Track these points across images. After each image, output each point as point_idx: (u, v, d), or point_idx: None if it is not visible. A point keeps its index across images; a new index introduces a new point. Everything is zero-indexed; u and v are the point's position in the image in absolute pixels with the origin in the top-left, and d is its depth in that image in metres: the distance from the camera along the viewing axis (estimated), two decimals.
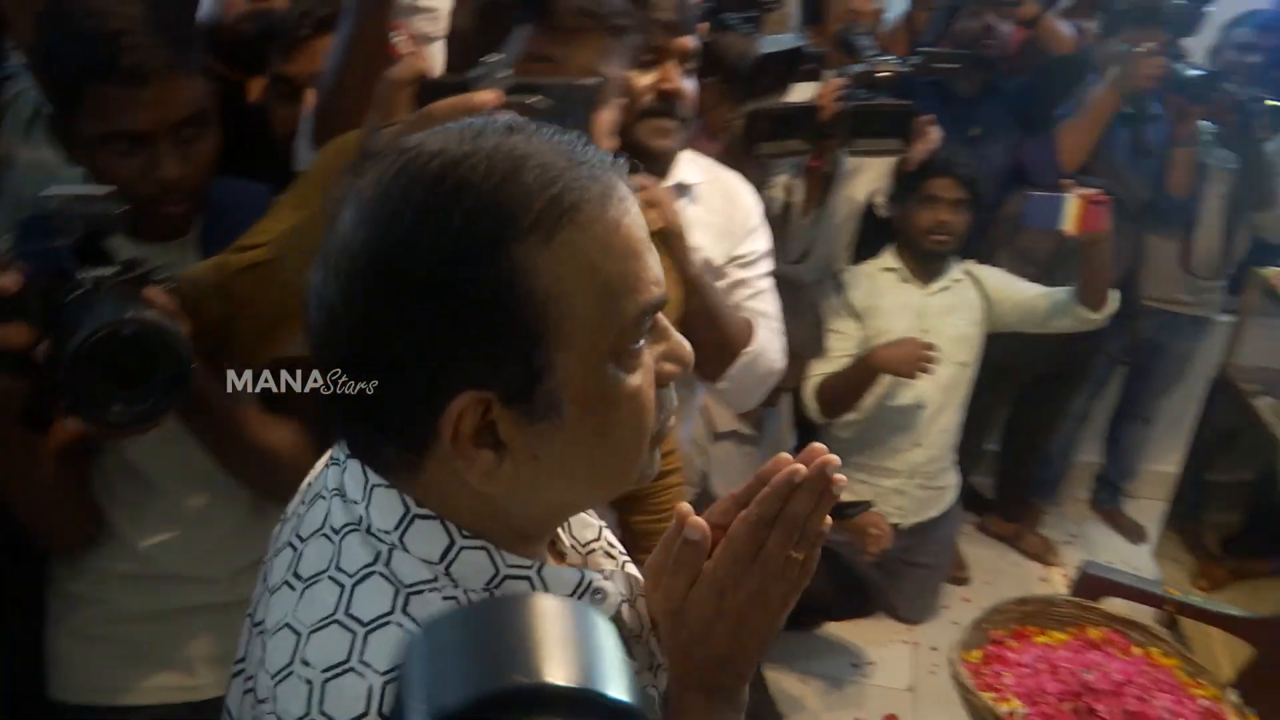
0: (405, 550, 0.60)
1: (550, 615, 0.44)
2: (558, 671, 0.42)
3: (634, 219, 0.58)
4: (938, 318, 2.53)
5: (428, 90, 0.90)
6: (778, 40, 2.11)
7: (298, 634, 0.58)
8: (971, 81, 2.62)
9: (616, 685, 0.42)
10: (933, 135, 2.31)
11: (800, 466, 0.62)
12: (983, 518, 3.26)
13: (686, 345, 0.64)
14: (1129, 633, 1.97)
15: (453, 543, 0.60)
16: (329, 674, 0.56)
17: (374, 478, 0.61)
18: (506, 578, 0.60)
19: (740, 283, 1.61)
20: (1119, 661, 1.84)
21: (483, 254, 0.54)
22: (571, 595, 0.62)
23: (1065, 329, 2.49)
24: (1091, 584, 1.98)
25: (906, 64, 2.20)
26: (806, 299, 2.44)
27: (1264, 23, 2.87)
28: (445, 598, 0.59)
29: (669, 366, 0.63)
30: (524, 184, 0.55)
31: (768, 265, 1.67)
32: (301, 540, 0.64)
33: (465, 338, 0.55)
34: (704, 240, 1.53)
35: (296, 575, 0.62)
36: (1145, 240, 2.88)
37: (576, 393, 0.57)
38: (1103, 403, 3.25)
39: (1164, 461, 3.16)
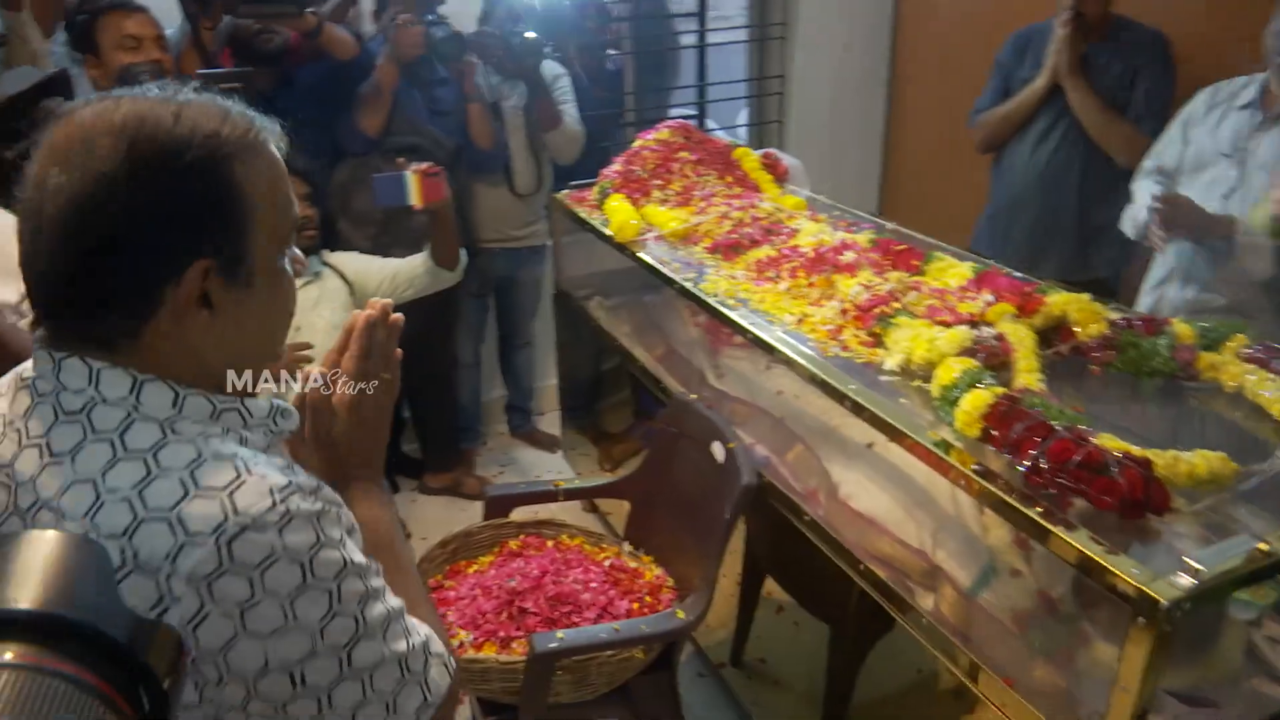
0: (143, 405, 0.80)
1: (32, 545, 0.51)
2: (20, 596, 0.48)
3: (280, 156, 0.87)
4: (309, 313, 2.52)
5: None
6: (20, 76, 1.90)
7: (126, 499, 0.75)
8: (264, 79, 2.61)
9: (88, 609, 0.49)
10: None
11: (371, 311, 0.99)
12: (421, 479, 3.40)
13: (299, 252, 0.94)
14: (541, 531, 2.21)
15: (177, 394, 0.81)
16: (175, 506, 0.75)
17: (95, 364, 0.80)
18: (223, 410, 0.84)
19: None
20: (536, 559, 2.05)
21: (214, 165, 0.79)
22: (268, 416, 0.87)
23: (430, 290, 2.65)
24: (497, 504, 2.17)
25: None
26: None
27: None
28: (194, 421, 0.82)
29: (297, 265, 0.92)
30: (234, 122, 0.82)
31: None
32: (32, 437, 0.81)
33: (201, 221, 0.79)
34: None
35: (55, 455, 0.79)
36: (472, 188, 3.16)
37: (261, 269, 0.84)
38: (489, 344, 3.55)
39: (552, 375, 3.56)
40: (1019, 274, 2.00)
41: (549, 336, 3.48)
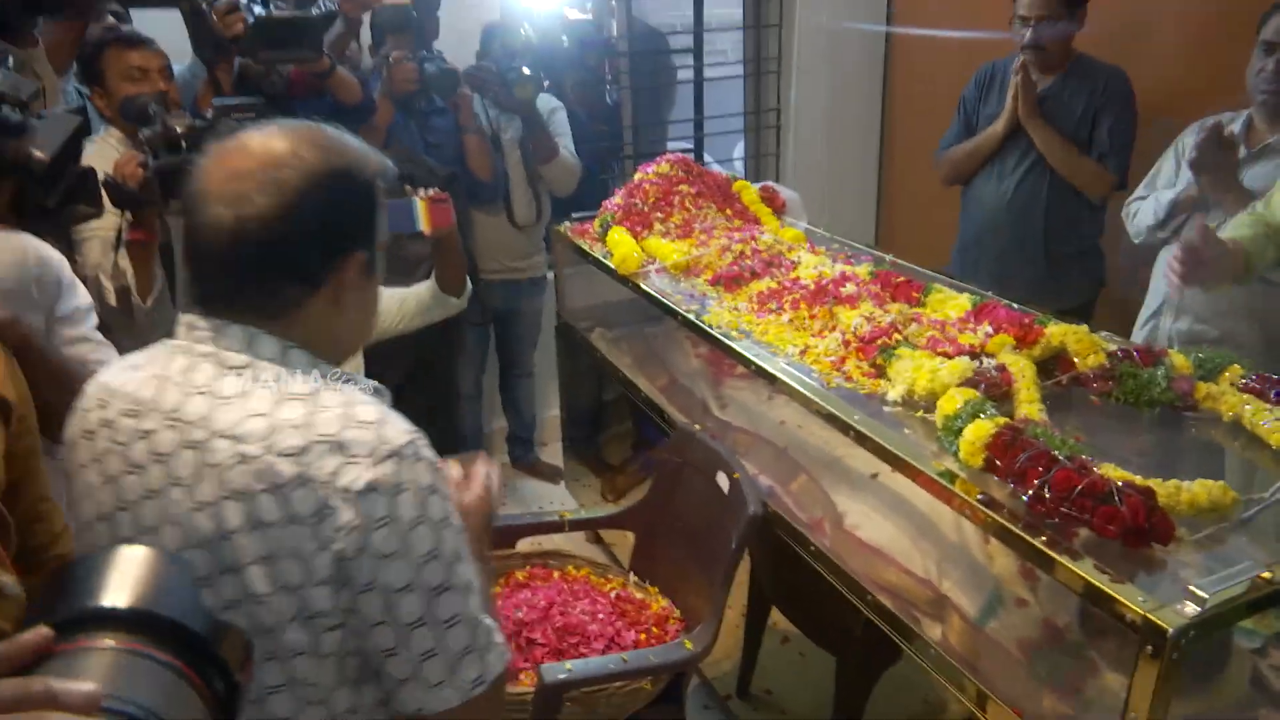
0: (289, 365, 1.01)
1: (127, 559, 0.62)
2: (118, 598, 0.59)
3: None
4: None
5: None
6: (56, 122, 1.94)
7: (298, 428, 0.95)
8: (270, 112, 2.64)
9: (172, 609, 0.60)
10: None
11: (493, 470, 1.22)
12: None
13: None
14: (547, 562, 2.21)
15: (314, 361, 1.03)
16: (338, 433, 0.94)
17: (251, 330, 1.01)
18: (346, 380, 1.04)
19: (76, 339, 1.59)
20: (542, 590, 2.05)
21: (372, 180, 1.05)
22: (373, 392, 1.06)
23: (437, 318, 2.66)
24: (503, 535, 2.17)
25: (202, 118, 2.16)
26: None
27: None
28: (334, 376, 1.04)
29: None
30: (373, 152, 1.07)
31: (94, 319, 1.64)
32: (196, 386, 1.00)
33: (365, 223, 1.05)
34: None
35: (226, 398, 0.98)
36: (471, 218, 3.20)
37: (378, 268, 1.08)
38: (490, 375, 3.56)
39: (553, 406, 3.57)
40: (1017, 305, 2.03)
41: (550, 367, 3.49)
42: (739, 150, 4.43)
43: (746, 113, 4.20)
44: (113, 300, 2.16)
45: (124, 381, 1.05)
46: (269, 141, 1.01)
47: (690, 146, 4.12)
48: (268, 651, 0.95)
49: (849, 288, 2.07)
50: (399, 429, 0.96)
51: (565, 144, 3.21)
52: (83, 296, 1.63)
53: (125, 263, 2.12)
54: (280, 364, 1.00)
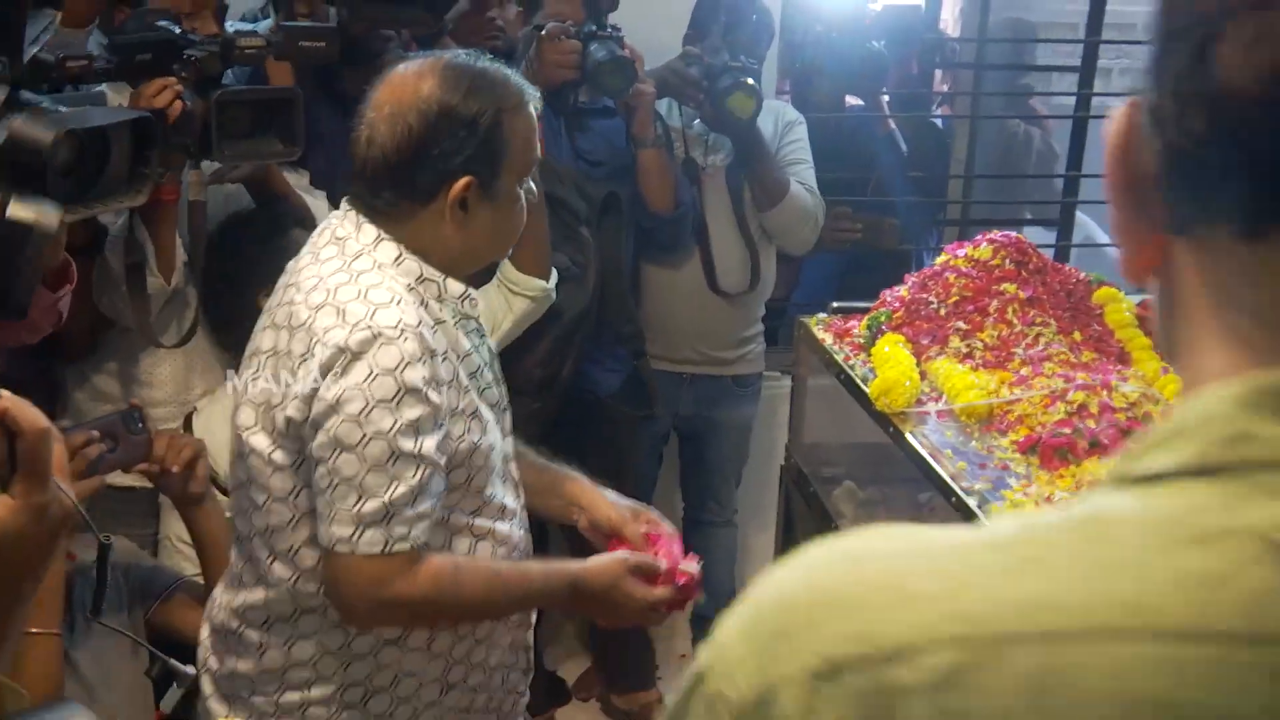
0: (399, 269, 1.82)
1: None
2: None
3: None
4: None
5: None
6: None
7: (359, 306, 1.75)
8: (354, 82, 2.80)
9: None
10: None
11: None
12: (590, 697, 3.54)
13: (532, 185, 1.93)
14: None
15: (422, 272, 1.82)
16: (346, 301, 1.75)
17: (381, 234, 1.81)
18: (427, 279, 1.82)
19: None
20: None
21: (494, 113, 1.79)
22: (459, 298, 1.88)
23: (518, 319, 2.72)
24: None
25: (268, 36, 2.33)
26: None
27: None
28: (404, 276, 1.83)
29: (525, 201, 1.93)
30: (511, 86, 1.85)
31: None
32: (313, 251, 1.87)
33: (476, 151, 1.78)
34: None
35: (318, 259, 1.83)
36: (642, 274, 3.29)
37: (503, 192, 1.85)
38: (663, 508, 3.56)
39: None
40: None
41: (757, 506, 3.48)
42: None
43: None
44: (120, 280, 2.33)
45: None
46: (406, 79, 1.79)
47: (1055, 217, 3.98)
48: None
49: None
50: (395, 317, 1.70)
51: (803, 176, 3.26)
52: None
53: (141, 231, 2.33)
54: (389, 262, 1.78)
